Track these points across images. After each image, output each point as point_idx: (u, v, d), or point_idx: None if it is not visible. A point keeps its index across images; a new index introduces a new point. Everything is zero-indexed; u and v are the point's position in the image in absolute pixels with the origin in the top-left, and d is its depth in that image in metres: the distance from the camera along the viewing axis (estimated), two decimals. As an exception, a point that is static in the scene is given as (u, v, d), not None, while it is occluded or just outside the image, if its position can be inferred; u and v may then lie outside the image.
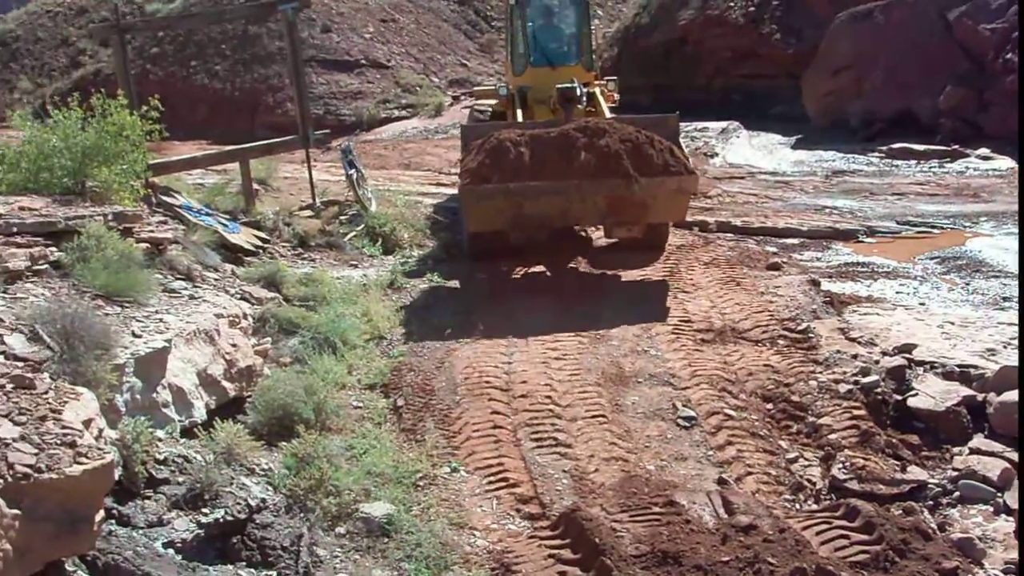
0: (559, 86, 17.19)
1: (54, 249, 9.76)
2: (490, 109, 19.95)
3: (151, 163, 14.02)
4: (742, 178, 24.49)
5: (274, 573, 7.53)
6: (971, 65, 26.75)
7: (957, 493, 8.74)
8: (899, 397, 10.32)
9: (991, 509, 8.46)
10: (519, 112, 18.27)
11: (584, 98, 17.45)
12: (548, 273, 16.03)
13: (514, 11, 19.96)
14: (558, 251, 16.60)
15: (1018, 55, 25.73)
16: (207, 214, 15.05)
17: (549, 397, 10.89)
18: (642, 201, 14.70)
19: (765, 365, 11.49)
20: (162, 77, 40.05)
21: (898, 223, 18.80)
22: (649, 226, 15.99)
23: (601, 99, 18.24)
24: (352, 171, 19.24)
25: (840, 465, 9.20)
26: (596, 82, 19.55)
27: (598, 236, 17.85)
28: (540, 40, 19.77)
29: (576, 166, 14.37)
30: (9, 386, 6.46)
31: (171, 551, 7.15)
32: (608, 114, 17.23)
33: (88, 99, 13.00)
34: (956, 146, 25.52)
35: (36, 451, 5.74)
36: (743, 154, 27.55)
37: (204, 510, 7.67)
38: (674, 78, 34.50)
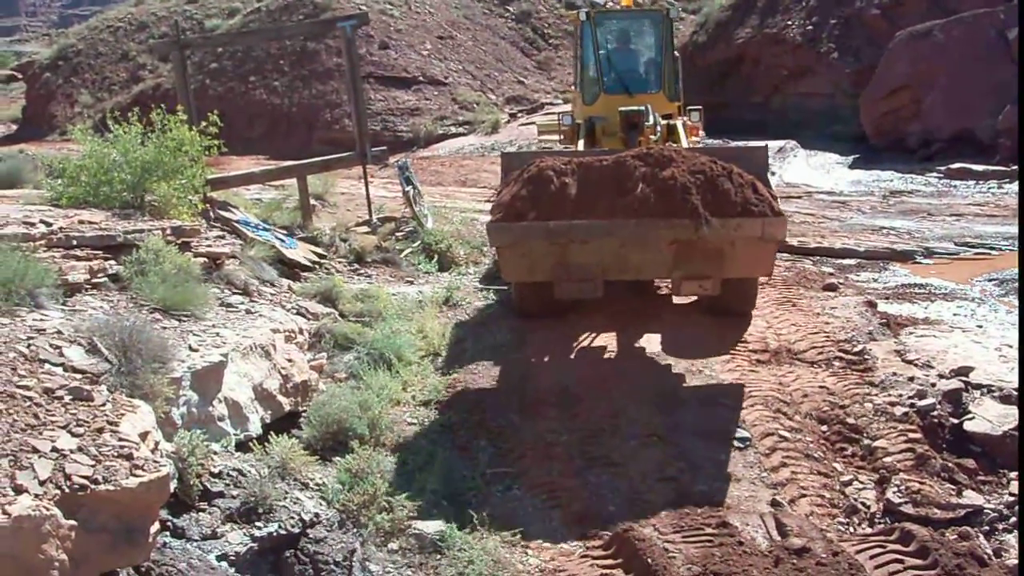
0: (622, 109, 14.97)
1: (113, 262, 9.87)
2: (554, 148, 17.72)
3: (209, 178, 14.11)
4: (799, 198, 24.35)
5: (326, 588, 7.56)
6: (1030, 84, 26.53)
7: (1013, 519, 8.64)
8: (955, 421, 10.23)
9: (1048, 535, 8.35)
10: (580, 144, 15.78)
11: (658, 128, 14.69)
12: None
13: (584, 31, 17.47)
14: (626, 314, 14.01)
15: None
16: (264, 229, 15.11)
17: (603, 415, 10.83)
18: (716, 249, 11.43)
19: (820, 387, 11.39)
20: (221, 92, 40.33)
21: (956, 244, 18.65)
22: (727, 283, 12.34)
23: (683, 132, 15.38)
24: (409, 187, 19.29)
25: (895, 488, 9.12)
26: (679, 114, 16.90)
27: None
28: (615, 64, 17.36)
29: (632, 201, 11.23)
30: (67, 398, 6.52)
31: (224, 564, 7.19)
32: None
33: (148, 114, 13.13)
34: (1015, 167, 25.27)
35: (93, 463, 5.79)
36: (800, 173, 27.42)
37: (258, 524, 7.71)
38: (731, 96, 34.46)
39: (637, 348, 12.64)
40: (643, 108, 14.75)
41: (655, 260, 11.86)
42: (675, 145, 13.54)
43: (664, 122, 15.21)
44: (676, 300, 14.61)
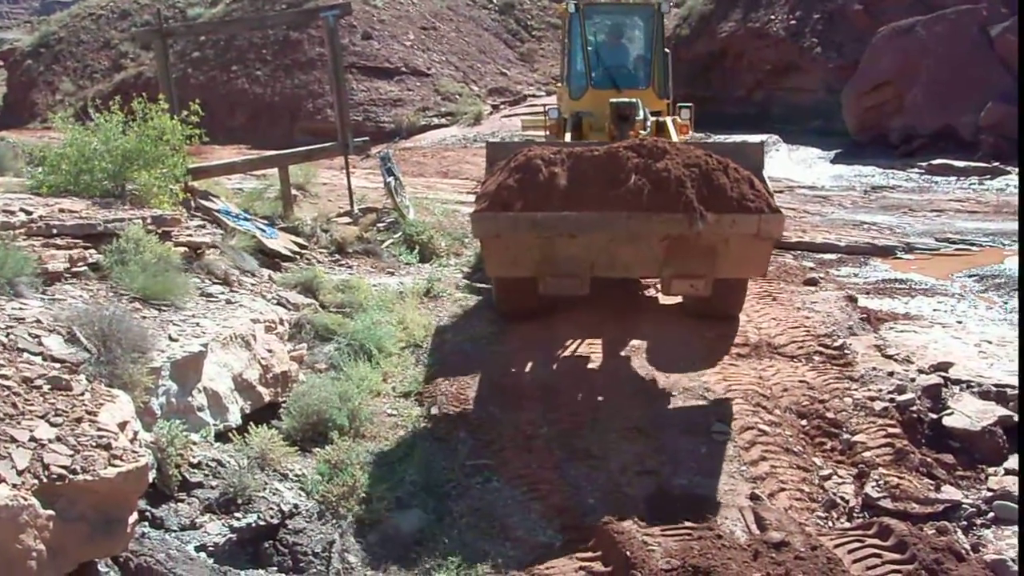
0: (613, 100, 14.18)
1: (93, 251, 9.85)
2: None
3: (190, 167, 14.08)
4: (780, 192, 24.30)
5: (305, 579, 7.56)
6: (1013, 81, 26.55)
7: (992, 514, 8.68)
8: (935, 416, 10.26)
9: (1026, 531, 8.39)
10: (567, 138, 15.22)
11: (648, 124, 14.18)
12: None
13: (573, 23, 16.91)
14: (612, 317, 13.61)
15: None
16: (245, 219, 15.07)
17: (584, 408, 10.87)
18: (709, 246, 10.71)
19: (800, 381, 11.41)
20: (203, 81, 40.25)
21: (937, 240, 18.74)
22: (718, 283, 11.71)
23: (673, 130, 14.69)
24: (390, 178, 19.28)
25: (874, 483, 9.15)
26: (668, 111, 16.55)
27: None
28: (603, 59, 16.96)
29: (624, 194, 10.43)
30: (46, 387, 6.51)
31: (203, 555, 7.20)
32: None
33: (129, 102, 13.12)
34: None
35: (71, 452, 5.79)
36: (782, 168, 27.46)
37: (237, 514, 7.73)
38: (714, 90, 34.50)
39: (621, 358, 12.43)
40: (635, 101, 14.14)
41: (645, 257, 11.07)
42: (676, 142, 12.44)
43: (653, 119, 14.67)
44: (662, 300, 14.37)
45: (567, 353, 12.52)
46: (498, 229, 10.86)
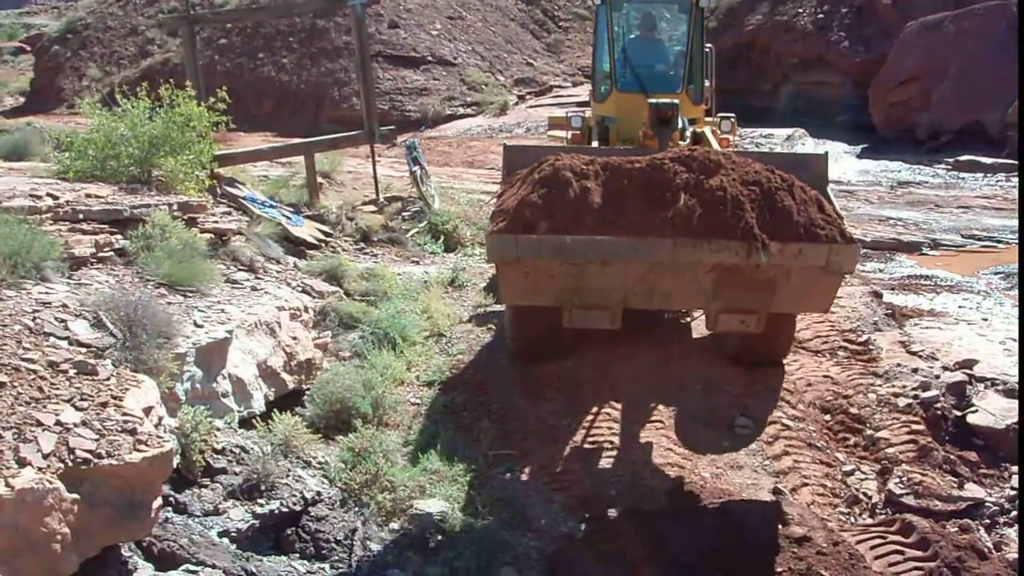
0: (651, 101, 11.57)
1: (119, 237, 9.88)
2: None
3: (216, 154, 14.11)
4: (806, 187, 24.26)
5: (327, 566, 7.58)
6: (1041, 79, 26.47)
7: (1014, 512, 8.64)
8: (959, 413, 10.22)
9: (1050, 529, 8.35)
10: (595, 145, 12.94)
11: (686, 134, 12.19)
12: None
13: (600, 17, 14.84)
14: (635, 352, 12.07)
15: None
16: (271, 206, 15.10)
17: (607, 400, 10.85)
18: (767, 279, 8.83)
19: (824, 376, 11.38)
20: (229, 68, 40.26)
21: (963, 236, 18.65)
22: (771, 318, 9.77)
23: (713, 141, 12.00)
24: (416, 168, 19.30)
25: (897, 480, 9.12)
26: (707, 120, 14.43)
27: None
28: (632, 58, 14.51)
29: (672, 217, 8.51)
30: (72, 371, 6.54)
31: (226, 540, 7.22)
32: None
33: (156, 88, 13.15)
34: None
35: (97, 437, 5.81)
36: (808, 162, 27.30)
37: (260, 501, 7.74)
38: (740, 83, 34.32)
39: (645, 350, 11.93)
40: (676, 102, 11.65)
41: (690, 288, 9.13)
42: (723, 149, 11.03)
43: (691, 128, 12.55)
44: (695, 335, 12.80)
45: (590, 344, 12.17)
46: (518, 254, 8.77)
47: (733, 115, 14.64)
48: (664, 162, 8.84)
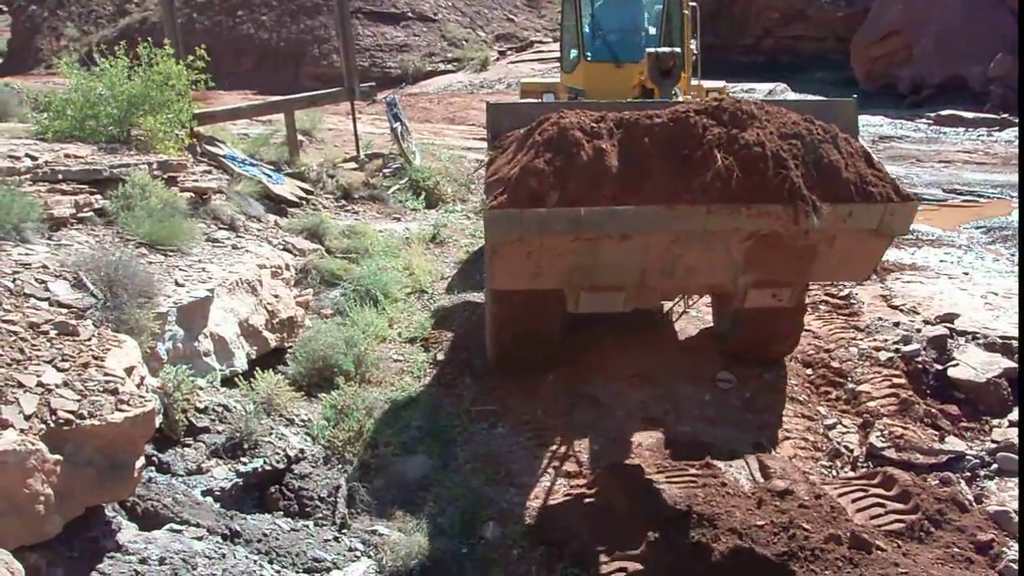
0: (651, 51, 10.18)
1: (99, 197, 9.84)
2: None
3: (196, 113, 14.04)
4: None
5: (311, 523, 7.60)
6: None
7: (995, 465, 8.71)
8: (940, 367, 10.27)
9: (1029, 482, 8.41)
10: None
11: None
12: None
13: None
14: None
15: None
16: (251, 164, 15.04)
17: (589, 355, 10.81)
18: (808, 246, 7.79)
19: (806, 330, 11.40)
20: (208, 26, 40.09)
21: (944, 191, 18.71)
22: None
23: None
24: (397, 124, 19.22)
25: (878, 433, 9.18)
26: (692, 88, 13.13)
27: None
28: (603, 24, 13.15)
29: (713, 178, 7.27)
30: (53, 332, 6.52)
31: (209, 499, 7.23)
32: None
33: (134, 47, 13.03)
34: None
35: (78, 397, 5.79)
36: (788, 116, 27.31)
37: (243, 459, 7.76)
38: (721, 38, 34.23)
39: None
40: (677, 50, 10.42)
41: (718, 261, 7.97)
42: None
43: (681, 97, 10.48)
44: (681, 337, 11.64)
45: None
46: (525, 231, 7.43)
47: (723, 83, 13.66)
48: (689, 115, 7.58)
